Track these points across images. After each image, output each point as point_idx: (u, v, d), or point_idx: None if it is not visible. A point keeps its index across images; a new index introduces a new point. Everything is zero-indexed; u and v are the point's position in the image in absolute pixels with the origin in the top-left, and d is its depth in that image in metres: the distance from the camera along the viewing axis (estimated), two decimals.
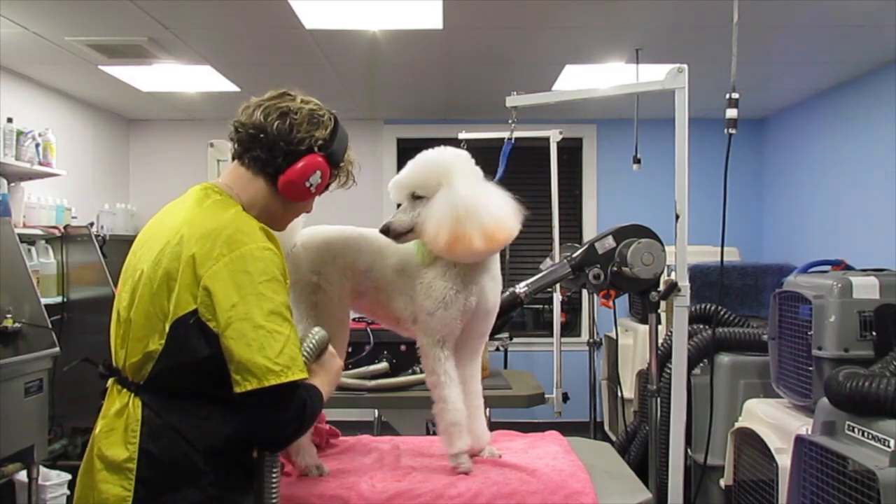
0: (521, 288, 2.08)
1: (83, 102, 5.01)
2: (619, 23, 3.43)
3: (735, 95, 2.09)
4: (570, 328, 5.69)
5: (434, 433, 2.20)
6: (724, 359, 3.25)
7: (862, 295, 2.50)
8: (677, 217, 2.16)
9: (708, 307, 3.62)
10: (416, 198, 1.69)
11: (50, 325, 3.24)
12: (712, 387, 2.98)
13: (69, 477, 3.49)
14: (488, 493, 1.63)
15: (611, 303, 2.33)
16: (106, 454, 1.36)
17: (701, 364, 3.33)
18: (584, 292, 4.83)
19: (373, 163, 5.56)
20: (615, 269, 2.15)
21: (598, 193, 5.72)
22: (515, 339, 4.99)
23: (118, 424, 1.37)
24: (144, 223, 1.57)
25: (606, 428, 5.06)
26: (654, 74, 2.37)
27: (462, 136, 3.69)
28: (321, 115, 1.51)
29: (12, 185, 3.87)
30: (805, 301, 2.64)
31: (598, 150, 5.72)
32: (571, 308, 5.71)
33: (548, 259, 2.52)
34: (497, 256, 1.80)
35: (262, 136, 1.46)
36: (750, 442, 2.90)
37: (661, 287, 2.17)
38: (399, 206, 1.74)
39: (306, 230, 1.87)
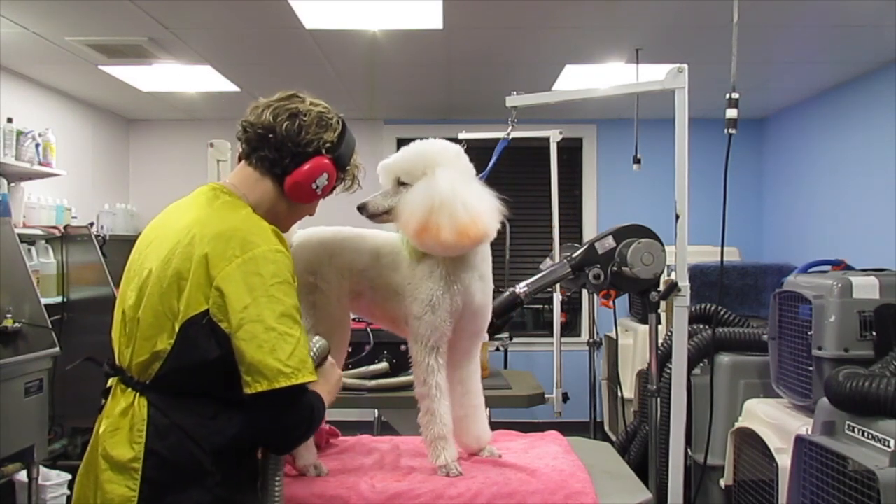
0: (521, 288, 2.08)
1: (83, 102, 5.01)
2: (619, 23, 3.43)
3: (735, 95, 2.09)
4: (570, 328, 5.69)
5: None
6: (724, 359, 3.25)
7: (862, 295, 2.50)
8: (677, 217, 2.16)
9: (708, 307, 3.62)
10: (400, 183, 1.70)
11: (50, 325, 3.24)
12: (712, 387, 2.98)
13: (69, 477, 3.49)
14: (488, 493, 1.63)
15: (611, 303, 2.33)
16: (111, 454, 1.36)
17: (701, 364, 3.33)
18: (584, 292, 4.83)
19: (373, 163, 5.43)
20: (615, 269, 2.14)
21: (598, 193, 5.72)
22: (515, 339, 4.99)
23: (123, 424, 1.37)
24: (144, 223, 1.58)
25: (606, 428, 5.06)
26: (654, 74, 2.37)
27: (462, 136, 3.69)
28: (330, 117, 1.52)
29: (12, 185, 3.87)
30: (805, 301, 2.64)
31: (598, 150, 5.72)
32: (571, 308, 5.71)
33: (548, 259, 2.51)
34: (486, 255, 1.78)
35: (270, 136, 1.47)
36: (750, 442, 2.90)
37: (661, 287, 2.17)
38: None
39: (303, 231, 1.87)
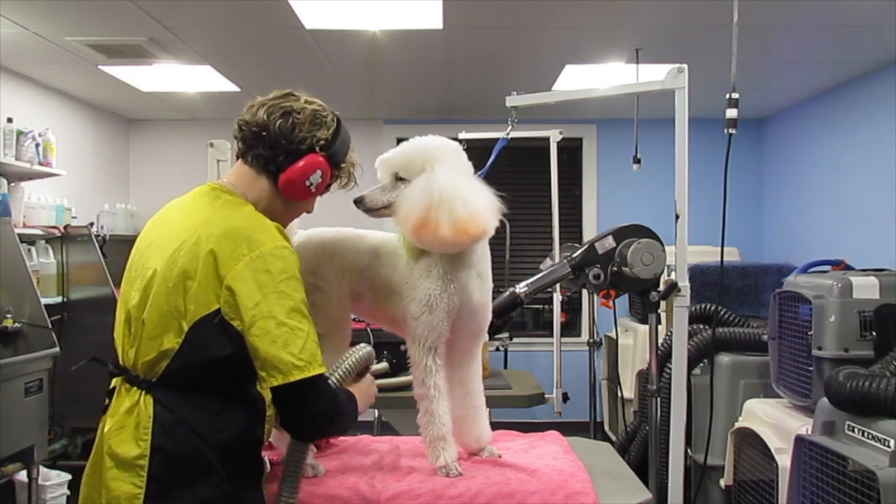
0: (521, 288, 2.08)
1: (83, 102, 5.01)
2: (619, 23, 3.43)
3: (735, 95, 2.09)
4: (570, 328, 5.69)
5: None
6: (724, 359, 3.25)
7: (862, 295, 2.50)
8: (677, 217, 2.16)
9: (708, 307, 3.62)
10: (398, 179, 1.70)
11: (50, 325, 3.24)
12: (712, 387, 2.98)
13: (69, 477, 3.49)
14: (488, 493, 1.63)
15: (611, 303, 2.33)
16: (116, 452, 1.37)
17: (701, 364, 3.33)
18: (584, 292, 4.83)
19: (372, 163, 5.52)
20: (615, 269, 2.14)
21: (598, 193, 5.72)
22: (515, 339, 4.99)
23: (129, 422, 1.38)
24: (144, 223, 1.58)
25: (606, 428, 5.06)
26: (654, 74, 2.37)
27: (462, 136, 3.69)
28: (324, 115, 1.53)
29: (12, 185, 3.87)
30: (805, 301, 2.64)
31: (598, 150, 5.72)
32: (571, 308, 5.71)
33: (548, 259, 2.51)
34: (485, 254, 1.78)
35: (264, 134, 1.48)
36: (750, 442, 2.90)
37: (661, 287, 2.17)
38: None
39: (304, 232, 1.87)
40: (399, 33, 3.58)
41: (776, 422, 2.72)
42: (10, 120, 3.80)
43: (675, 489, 2.18)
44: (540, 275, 2.18)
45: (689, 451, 3.28)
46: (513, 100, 2.26)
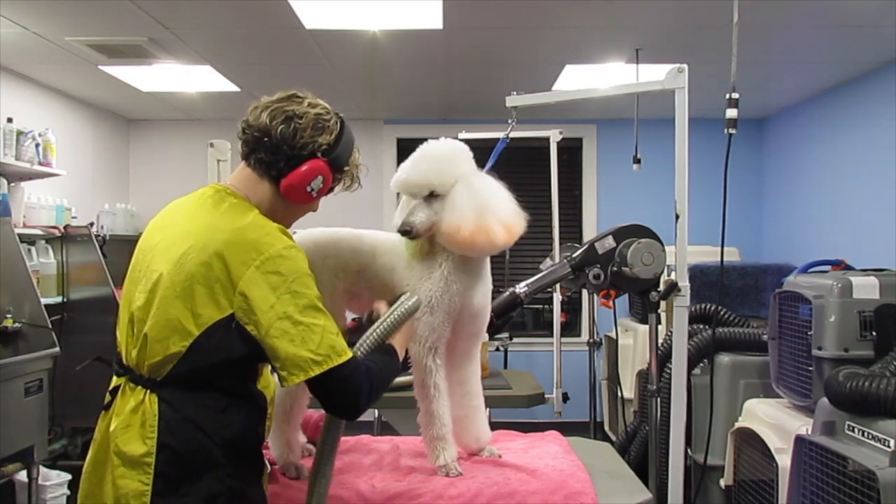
0: (521, 288, 2.08)
1: (83, 102, 5.01)
2: (619, 23, 3.43)
3: (735, 95, 2.09)
4: (570, 328, 5.69)
5: None
6: (724, 359, 3.25)
7: (862, 295, 2.50)
8: (677, 217, 2.16)
9: (708, 307, 3.62)
10: (432, 196, 1.67)
11: (50, 325, 3.24)
12: (712, 387, 2.98)
13: (69, 477, 3.48)
14: (488, 493, 1.63)
15: (611, 303, 2.33)
16: (123, 450, 1.38)
17: (701, 364, 3.33)
18: (584, 292, 4.84)
19: (373, 163, 5.42)
20: (615, 269, 2.14)
21: (598, 193, 5.72)
22: (515, 339, 5.00)
23: (134, 421, 1.39)
24: (144, 223, 1.58)
25: (606, 428, 5.06)
26: (654, 74, 2.37)
27: (462, 136, 3.69)
28: (327, 119, 1.52)
29: (12, 185, 3.87)
30: (805, 301, 2.64)
31: (598, 150, 5.72)
32: (571, 308, 5.71)
33: (548, 259, 2.51)
34: (486, 257, 1.78)
35: (266, 139, 1.48)
36: (750, 442, 2.90)
37: (661, 287, 2.17)
38: (408, 203, 1.73)
39: (302, 232, 1.86)
40: (399, 33, 3.58)
41: (776, 422, 2.72)
42: (10, 120, 3.80)
43: (675, 489, 2.18)
44: (540, 275, 2.18)
45: (689, 451, 3.28)
46: (513, 100, 2.26)
